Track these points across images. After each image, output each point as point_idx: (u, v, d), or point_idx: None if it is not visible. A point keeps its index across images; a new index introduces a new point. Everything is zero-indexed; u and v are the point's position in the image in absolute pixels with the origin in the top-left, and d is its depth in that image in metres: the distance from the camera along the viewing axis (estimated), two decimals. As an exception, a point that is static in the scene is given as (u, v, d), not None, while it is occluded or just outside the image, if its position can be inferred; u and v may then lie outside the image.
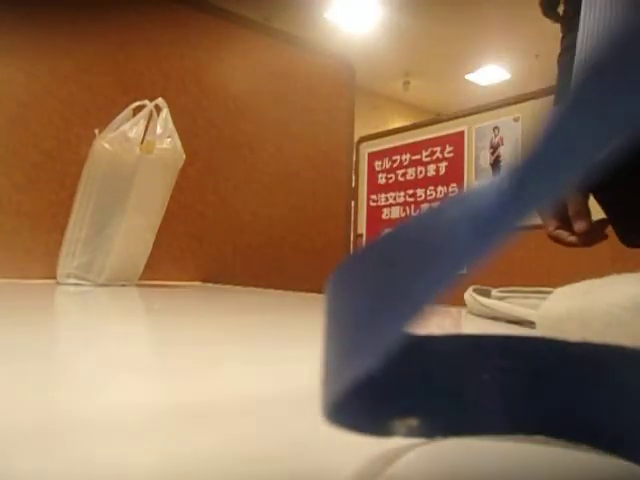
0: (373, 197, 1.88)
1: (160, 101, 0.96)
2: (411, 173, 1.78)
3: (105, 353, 0.30)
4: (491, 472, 0.13)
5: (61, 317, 0.55)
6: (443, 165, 1.71)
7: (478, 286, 0.55)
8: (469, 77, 5.29)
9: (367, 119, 4.32)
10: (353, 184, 1.76)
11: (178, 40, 1.24)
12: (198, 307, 0.73)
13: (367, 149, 1.91)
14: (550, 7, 0.70)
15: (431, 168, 1.74)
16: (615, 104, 0.07)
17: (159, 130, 0.95)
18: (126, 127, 0.91)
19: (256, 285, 1.14)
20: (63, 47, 1.08)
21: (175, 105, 1.01)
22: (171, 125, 0.97)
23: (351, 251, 1.69)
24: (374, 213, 1.86)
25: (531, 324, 0.41)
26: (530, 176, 0.08)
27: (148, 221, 0.97)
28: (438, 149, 1.73)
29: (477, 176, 1.64)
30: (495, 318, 0.50)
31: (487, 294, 0.54)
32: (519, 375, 0.14)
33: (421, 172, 1.76)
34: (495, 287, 0.55)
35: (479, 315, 0.52)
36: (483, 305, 0.51)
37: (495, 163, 1.60)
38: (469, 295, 0.54)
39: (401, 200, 1.80)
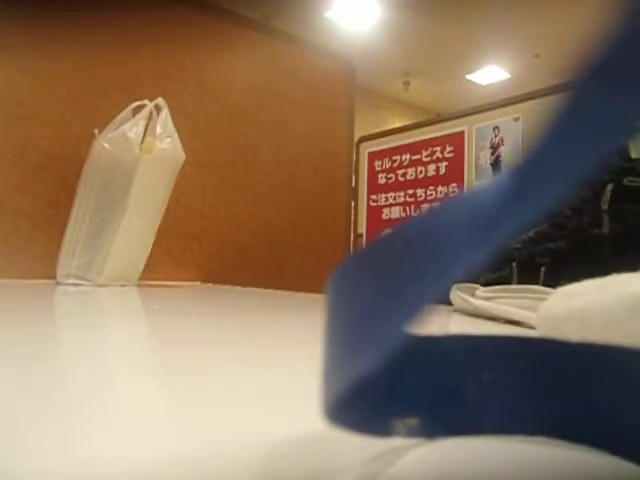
0: (373, 197, 1.88)
1: (160, 101, 0.96)
2: (411, 173, 1.78)
3: (106, 354, 0.30)
4: (491, 472, 0.13)
5: (61, 318, 0.55)
6: (443, 165, 1.71)
7: (461, 284, 0.54)
8: (469, 77, 5.29)
9: (367, 119, 4.32)
10: (353, 184, 1.76)
11: (178, 40, 1.24)
12: (198, 307, 0.73)
13: (367, 149, 1.91)
14: None
15: (431, 168, 1.74)
16: (615, 104, 0.07)
17: (159, 130, 0.95)
18: (126, 127, 0.91)
19: (256, 285, 1.14)
20: (63, 47, 1.08)
21: (175, 105, 1.01)
22: (171, 125, 0.97)
23: (351, 251, 1.69)
24: (374, 213, 1.86)
25: (530, 325, 0.41)
26: (531, 176, 0.08)
27: (148, 221, 0.97)
28: (438, 149, 1.73)
29: (477, 176, 1.64)
30: (477, 315, 0.50)
31: (471, 291, 0.53)
32: (519, 375, 0.14)
33: (421, 172, 1.76)
34: None
35: (470, 314, 0.52)
36: (477, 308, 0.50)
37: (495, 163, 1.60)
38: (456, 295, 0.53)
39: (401, 200, 1.80)
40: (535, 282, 0.52)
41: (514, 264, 0.55)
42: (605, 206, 0.48)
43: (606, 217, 0.48)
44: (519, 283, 0.53)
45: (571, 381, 0.14)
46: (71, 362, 0.27)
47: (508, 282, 0.56)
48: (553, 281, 0.49)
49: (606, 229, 0.48)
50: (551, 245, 0.50)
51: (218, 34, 1.31)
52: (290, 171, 1.43)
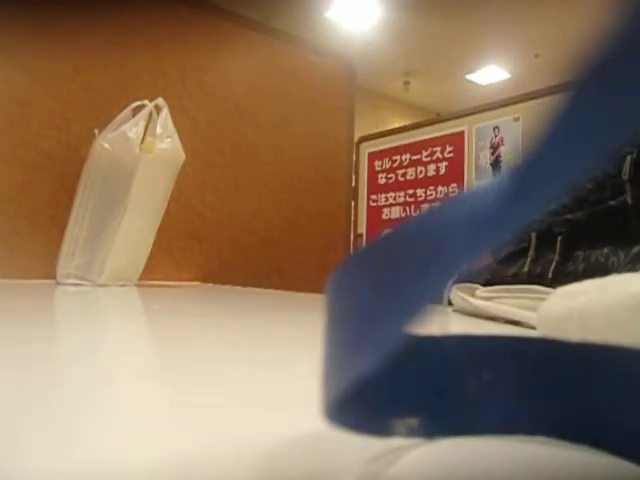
0: (373, 197, 1.88)
1: (160, 101, 0.96)
2: (411, 173, 1.78)
3: (106, 354, 0.30)
4: (491, 472, 0.13)
5: (61, 318, 0.55)
6: (443, 165, 1.71)
7: (462, 284, 0.54)
8: (469, 77, 5.29)
9: (367, 119, 4.32)
10: (353, 184, 1.76)
11: (178, 40, 1.24)
12: (198, 307, 0.73)
13: (367, 149, 1.91)
14: None
15: (431, 168, 1.74)
16: (615, 104, 0.07)
17: (159, 130, 0.95)
18: (126, 127, 0.91)
19: (256, 285, 1.14)
20: (63, 47, 1.08)
21: (175, 105, 1.01)
22: (171, 125, 0.97)
23: (351, 251, 1.69)
24: (374, 213, 1.86)
25: (530, 325, 0.41)
26: (531, 176, 0.08)
27: (148, 221, 0.97)
28: (438, 149, 1.72)
29: (477, 176, 1.64)
30: (477, 315, 0.50)
31: (471, 291, 0.53)
32: (519, 375, 0.14)
33: (421, 172, 1.76)
34: None
35: (470, 314, 0.52)
36: (477, 308, 0.50)
37: (495, 163, 1.60)
38: (456, 295, 0.53)
39: (401, 200, 1.80)
40: (552, 251, 0.53)
41: (533, 234, 0.55)
42: (626, 177, 0.49)
43: (628, 187, 0.48)
44: (537, 252, 0.54)
45: (571, 381, 0.14)
46: (71, 362, 0.27)
47: (526, 251, 0.56)
48: (569, 250, 0.50)
49: (628, 198, 0.48)
50: (569, 216, 0.51)
51: (218, 34, 1.31)
52: (290, 171, 1.43)
